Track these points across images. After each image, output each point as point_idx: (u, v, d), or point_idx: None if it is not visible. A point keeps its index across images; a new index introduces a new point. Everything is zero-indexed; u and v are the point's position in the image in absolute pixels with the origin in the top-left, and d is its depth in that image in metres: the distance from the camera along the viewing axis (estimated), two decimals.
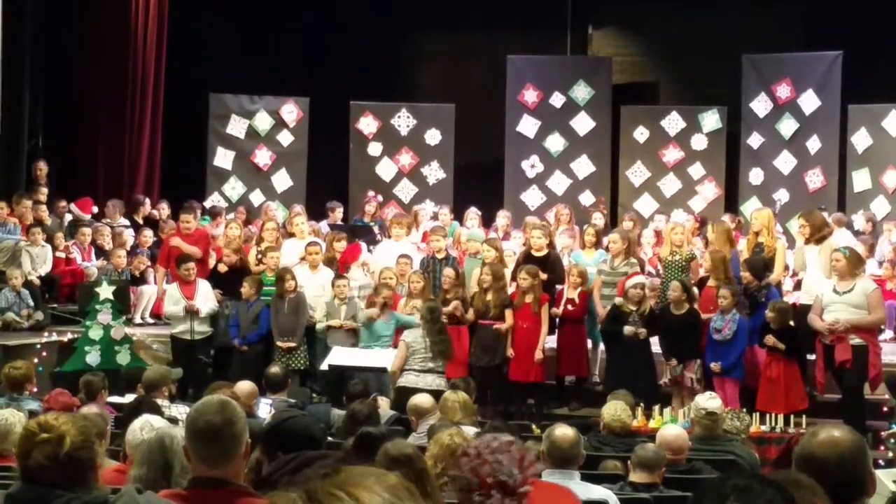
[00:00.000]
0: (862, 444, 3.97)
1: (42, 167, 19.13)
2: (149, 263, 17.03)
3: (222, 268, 15.47)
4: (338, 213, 19.21)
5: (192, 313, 14.71)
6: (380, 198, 20.20)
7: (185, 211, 17.06)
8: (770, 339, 12.78)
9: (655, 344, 13.75)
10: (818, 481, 3.52)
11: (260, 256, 15.57)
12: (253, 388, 10.66)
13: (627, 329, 13.45)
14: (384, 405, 11.58)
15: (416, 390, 12.39)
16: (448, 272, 14.67)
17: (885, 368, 12.82)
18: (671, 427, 9.33)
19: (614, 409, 9.61)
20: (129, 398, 11.30)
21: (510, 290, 14.59)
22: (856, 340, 12.46)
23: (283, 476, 5.10)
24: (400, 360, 13.41)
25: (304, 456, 5.30)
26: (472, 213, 18.13)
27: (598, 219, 17.99)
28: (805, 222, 13.97)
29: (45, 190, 18.27)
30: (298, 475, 4.88)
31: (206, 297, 14.92)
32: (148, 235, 17.90)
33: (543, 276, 14.34)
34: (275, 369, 12.14)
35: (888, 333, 15.36)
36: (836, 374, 12.71)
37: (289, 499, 2.05)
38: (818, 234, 13.82)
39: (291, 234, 16.65)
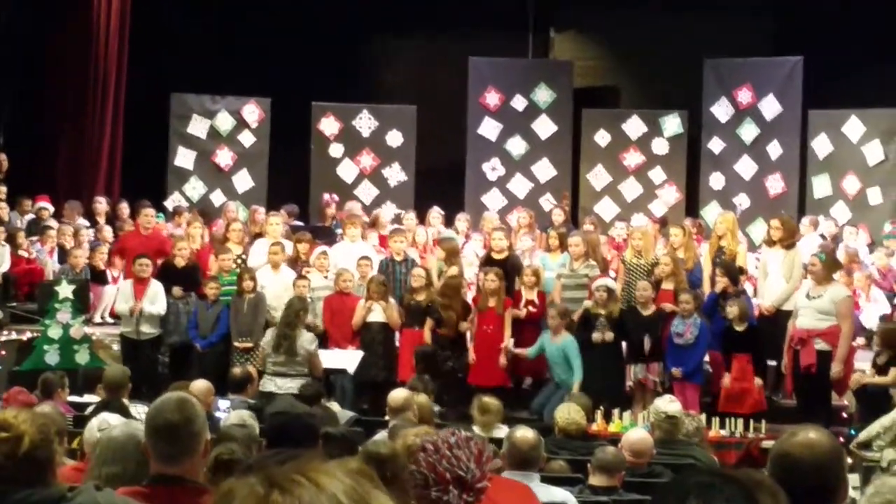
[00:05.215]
0: (839, 449, 3.98)
1: (3, 162, 18.93)
2: (106, 256, 16.81)
3: (179, 262, 15.36)
4: (290, 216, 19.00)
5: (138, 313, 14.57)
6: (336, 197, 20.02)
7: (143, 207, 17.11)
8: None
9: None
10: (791, 481, 3.50)
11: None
12: (209, 387, 10.56)
13: (595, 336, 13.42)
14: (336, 408, 11.50)
15: (276, 395, 12.47)
16: (418, 272, 14.56)
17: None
18: (636, 430, 9.32)
19: (567, 412, 9.53)
20: (88, 398, 11.24)
21: (471, 293, 14.56)
22: (821, 345, 12.34)
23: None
24: (260, 362, 13.70)
25: (290, 451, 5.27)
26: (436, 213, 18.14)
27: (559, 215, 17.94)
28: (780, 225, 13.89)
29: (3, 189, 18.07)
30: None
31: (155, 299, 14.66)
32: (108, 232, 17.74)
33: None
34: (237, 370, 12.13)
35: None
36: (801, 380, 12.65)
37: (248, 484, 2.02)
38: (790, 240, 13.82)
39: (258, 235, 16.56)
